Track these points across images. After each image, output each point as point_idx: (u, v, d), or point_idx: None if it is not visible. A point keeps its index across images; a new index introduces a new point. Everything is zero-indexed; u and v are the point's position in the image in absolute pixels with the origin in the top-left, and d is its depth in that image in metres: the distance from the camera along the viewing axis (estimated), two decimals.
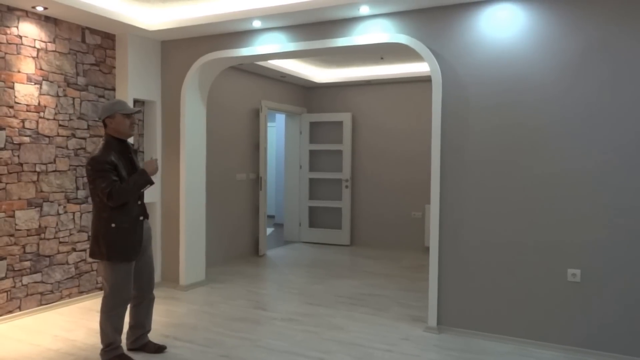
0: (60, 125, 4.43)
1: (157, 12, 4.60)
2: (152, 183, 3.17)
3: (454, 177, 3.88)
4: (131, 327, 3.42)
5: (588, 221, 3.47)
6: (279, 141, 9.91)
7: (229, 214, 6.46)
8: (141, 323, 3.41)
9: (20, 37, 4.11)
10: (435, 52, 3.91)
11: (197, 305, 4.54)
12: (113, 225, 3.08)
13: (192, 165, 5.13)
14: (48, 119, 4.33)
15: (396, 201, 7.45)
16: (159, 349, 3.44)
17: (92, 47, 4.69)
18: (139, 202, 3.24)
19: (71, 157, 4.52)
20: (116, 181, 3.05)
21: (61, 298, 4.47)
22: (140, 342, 3.43)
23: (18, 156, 4.10)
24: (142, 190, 3.17)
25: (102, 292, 3.22)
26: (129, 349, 3.41)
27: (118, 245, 3.09)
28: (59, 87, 4.41)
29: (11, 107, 4.06)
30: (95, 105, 4.71)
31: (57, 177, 4.41)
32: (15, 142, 4.08)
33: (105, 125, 3.18)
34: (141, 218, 3.23)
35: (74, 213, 4.55)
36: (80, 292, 4.64)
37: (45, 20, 4.29)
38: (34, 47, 4.21)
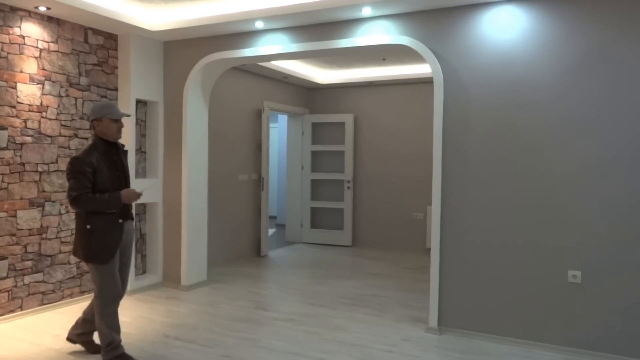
0: (62, 125, 4.44)
1: (160, 12, 4.61)
2: (118, 209, 3.13)
3: (455, 178, 3.88)
4: (84, 320, 3.38)
5: (589, 223, 3.46)
6: (281, 142, 9.91)
7: (231, 215, 6.46)
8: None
9: (23, 37, 4.13)
10: (437, 53, 3.91)
11: (198, 306, 4.55)
12: (88, 226, 3.08)
13: (194, 165, 5.14)
14: (50, 119, 4.34)
15: (398, 202, 7.44)
16: (98, 350, 3.35)
17: (95, 48, 4.70)
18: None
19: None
20: (88, 188, 3.02)
21: (62, 298, 4.48)
22: (85, 338, 3.42)
23: (20, 156, 4.11)
24: (108, 210, 3.11)
25: None
26: (69, 339, 3.43)
27: (93, 247, 3.08)
28: (61, 87, 4.42)
29: (13, 107, 4.07)
30: None
31: (59, 177, 4.41)
32: (17, 142, 4.09)
33: (93, 126, 3.20)
34: (120, 220, 3.20)
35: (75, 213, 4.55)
36: (82, 292, 4.64)
37: (48, 21, 4.31)
38: (37, 47, 4.23)
